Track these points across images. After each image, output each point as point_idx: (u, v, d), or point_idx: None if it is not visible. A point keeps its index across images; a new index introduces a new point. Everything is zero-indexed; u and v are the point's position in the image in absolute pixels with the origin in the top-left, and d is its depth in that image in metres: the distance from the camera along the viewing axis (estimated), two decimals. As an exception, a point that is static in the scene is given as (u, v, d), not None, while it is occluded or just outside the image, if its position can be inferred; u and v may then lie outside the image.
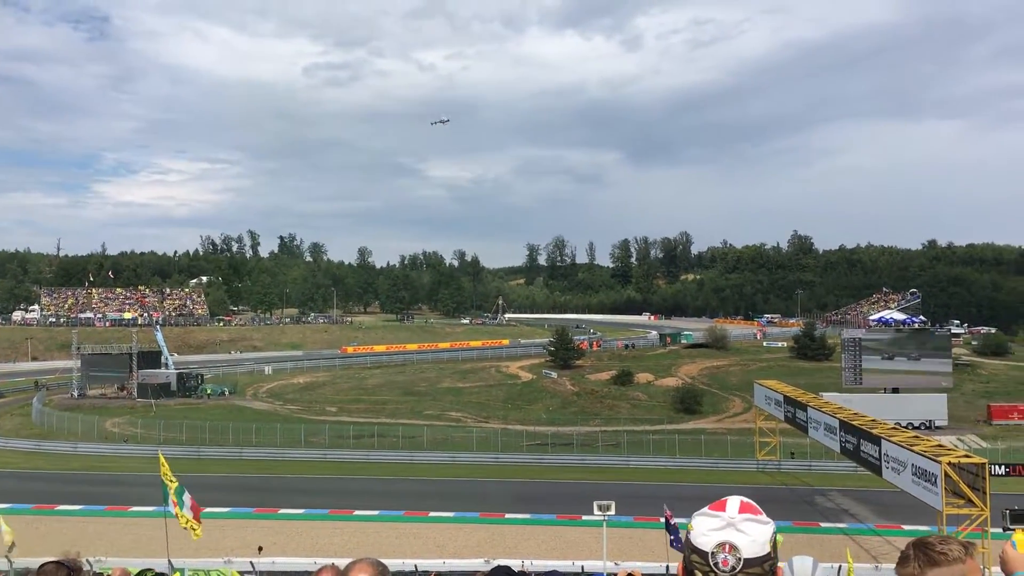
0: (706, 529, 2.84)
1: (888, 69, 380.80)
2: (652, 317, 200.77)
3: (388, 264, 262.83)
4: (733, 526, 2.78)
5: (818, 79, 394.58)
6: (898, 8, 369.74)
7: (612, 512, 29.60)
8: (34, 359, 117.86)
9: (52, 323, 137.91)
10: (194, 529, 26.35)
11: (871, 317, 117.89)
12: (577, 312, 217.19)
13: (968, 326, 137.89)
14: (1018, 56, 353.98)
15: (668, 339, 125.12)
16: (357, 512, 42.73)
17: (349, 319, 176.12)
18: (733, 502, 2.91)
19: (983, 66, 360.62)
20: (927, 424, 69.71)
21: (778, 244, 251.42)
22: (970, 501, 29.05)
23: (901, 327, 79.31)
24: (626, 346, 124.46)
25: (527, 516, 41.80)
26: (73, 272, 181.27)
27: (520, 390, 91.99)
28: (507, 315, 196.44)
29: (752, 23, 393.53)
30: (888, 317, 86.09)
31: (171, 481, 26.35)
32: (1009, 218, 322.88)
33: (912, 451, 31.74)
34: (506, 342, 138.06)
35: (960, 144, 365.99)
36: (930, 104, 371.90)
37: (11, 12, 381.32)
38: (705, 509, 2.90)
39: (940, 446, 32.89)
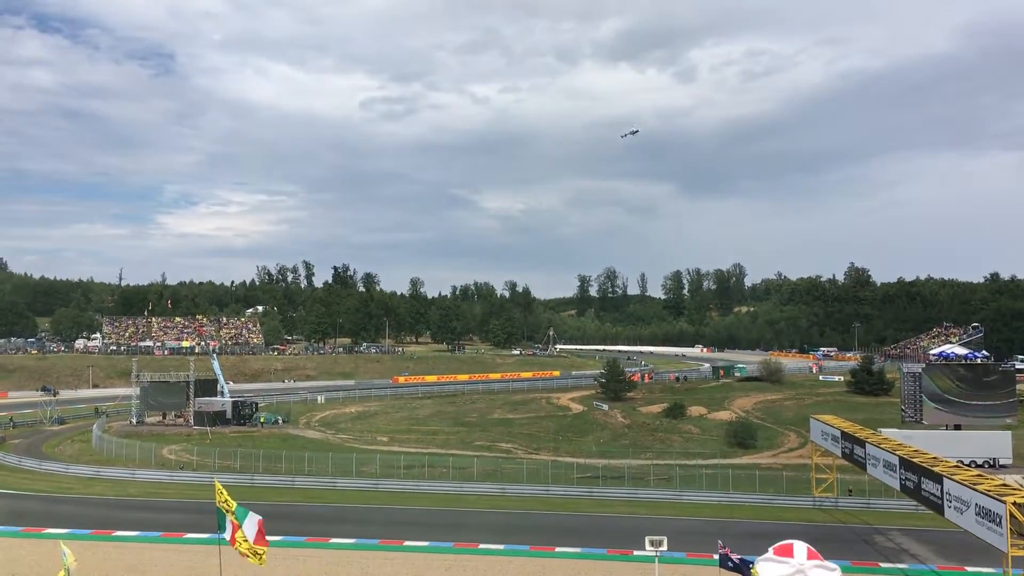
0: None
1: (948, 100, 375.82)
2: (705, 349, 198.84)
3: (440, 295, 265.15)
4: (803, 573, 2.76)
5: (876, 110, 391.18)
6: (957, 39, 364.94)
7: (664, 547, 29.17)
8: (95, 386, 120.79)
9: (113, 351, 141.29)
10: (258, 555, 26.24)
11: (931, 351, 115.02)
12: (628, 344, 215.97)
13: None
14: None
15: (721, 372, 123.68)
16: (407, 542, 42.73)
17: (401, 349, 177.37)
18: (800, 548, 2.89)
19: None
20: (991, 462, 67.61)
21: (834, 276, 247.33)
22: (1037, 543, 28.05)
23: (964, 361, 77.25)
24: (678, 379, 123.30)
25: (578, 550, 41.36)
26: (134, 301, 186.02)
27: (571, 422, 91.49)
28: (558, 346, 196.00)
29: (808, 54, 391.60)
30: (949, 352, 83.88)
31: (229, 506, 26.50)
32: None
33: (975, 490, 30.79)
34: (557, 373, 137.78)
35: (1022, 175, 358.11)
36: (991, 135, 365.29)
37: (82, 50, 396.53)
38: (770, 554, 2.87)
39: (1005, 485, 31.85)
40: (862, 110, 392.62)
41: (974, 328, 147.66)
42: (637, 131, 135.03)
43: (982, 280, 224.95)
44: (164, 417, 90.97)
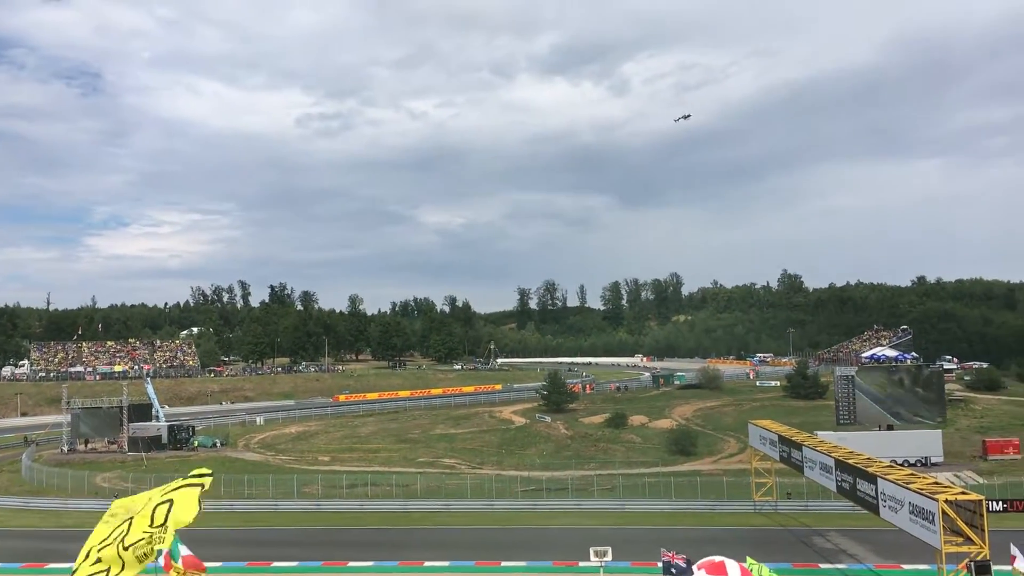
0: None
1: (873, 110, 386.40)
2: (644, 359, 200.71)
3: (379, 311, 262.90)
4: None
5: (806, 120, 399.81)
6: (881, 51, 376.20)
7: (609, 558, 29.34)
8: (24, 414, 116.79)
9: (42, 378, 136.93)
10: None
11: (863, 354, 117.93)
12: (569, 355, 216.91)
13: (959, 361, 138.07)
14: (996, 95, 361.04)
15: (661, 381, 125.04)
16: (351, 563, 42.22)
17: (340, 367, 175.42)
18: (733, 567, 2.95)
19: (963, 105, 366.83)
20: (923, 461, 69.50)
21: (768, 283, 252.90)
22: (968, 539, 28.86)
23: (894, 364, 79.36)
24: (619, 388, 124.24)
25: (523, 564, 41.33)
26: (63, 326, 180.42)
27: (514, 435, 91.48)
28: (499, 360, 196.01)
29: (739, 66, 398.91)
30: (880, 354, 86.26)
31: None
32: (996, 253, 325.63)
33: (909, 489, 31.59)
34: (499, 387, 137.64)
35: (944, 181, 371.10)
36: (913, 144, 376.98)
37: (6, 70, 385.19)
38: (702, 573, 2.92)
39: (937, 483, 32.77)
40: (792, 120, 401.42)
41: (903, 331, 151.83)
42: (689, 116, 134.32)
43: (909, 284, 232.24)
44: (86, 444, 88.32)
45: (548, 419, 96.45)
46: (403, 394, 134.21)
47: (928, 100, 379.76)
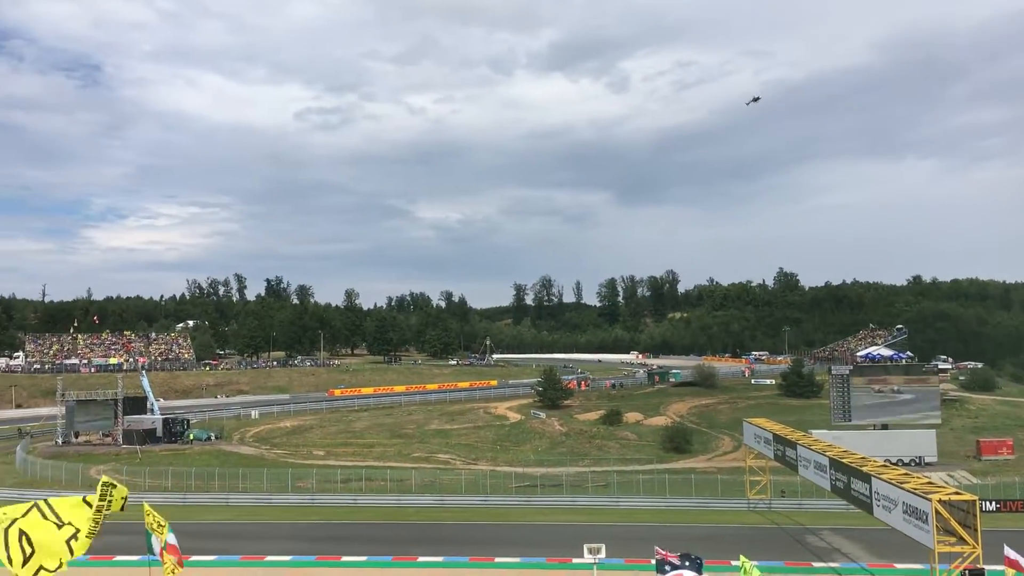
0: None
1: (868, 110, 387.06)
2: (640, 356, 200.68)
3: (375, 306, 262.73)
4: None
5: (801, 119, 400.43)
6: (874, 52, 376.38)
7: (603, 555, 29.33)
8: (18, 406, 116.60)
9: (37, 370, 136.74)
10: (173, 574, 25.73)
11: (859, 353, 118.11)
12: (564, 351, 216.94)
13: (954, 361, 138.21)
14: (989, 97, 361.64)
15: (656, 378, 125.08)
16: (345, 558, 42.19)
17: (336, 362, 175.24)
18: None
19: (957, 107, 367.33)
20: (917, 460, 69.68)
21: (764, 281, 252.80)
22: (961, 539, 28.91)
23: (889, 363, 79.41)
24: (614, 385, 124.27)
25: (517, 560, 41.33)
26: (58, 318, 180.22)
27: (508, 431, 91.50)
28: (494, 356, 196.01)
29: (735, 64, 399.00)
30: (875, 353, 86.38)
31: (160, 526, 25.87)
32: (992, 253, 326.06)
33: (902, 488, 31.63)
34: (494, 383, 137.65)
35: (939, 181, 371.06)
36: (906, 144, 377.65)
37: (5, 61, 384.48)
38: None
39: (930, 483, 32.83)
40: (788, 119, 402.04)
41: (898, 330, 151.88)
42: (759, 98, 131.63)
43: (905, 283, 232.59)
44: (76, 436, 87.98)
45: (543, 415, 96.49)
46: (398, 389, 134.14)
47: (917, 101, 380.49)
